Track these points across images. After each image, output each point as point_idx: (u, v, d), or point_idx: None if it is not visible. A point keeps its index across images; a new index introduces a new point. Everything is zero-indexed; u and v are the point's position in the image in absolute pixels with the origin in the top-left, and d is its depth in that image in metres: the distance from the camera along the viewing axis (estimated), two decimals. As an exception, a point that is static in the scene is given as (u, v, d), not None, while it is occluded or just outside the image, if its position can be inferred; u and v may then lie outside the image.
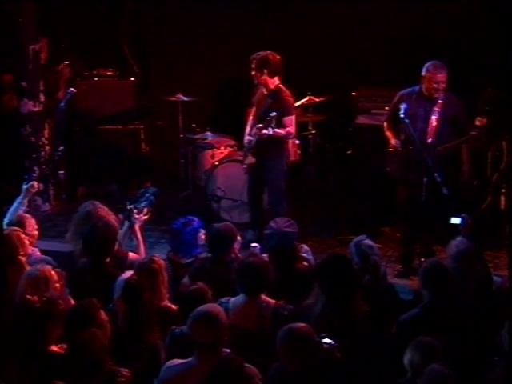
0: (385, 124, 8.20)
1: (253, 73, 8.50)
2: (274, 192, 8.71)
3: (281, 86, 8.57)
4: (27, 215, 7.06)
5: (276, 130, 8.32)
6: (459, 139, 7.79)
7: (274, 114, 8.25)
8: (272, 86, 8.54)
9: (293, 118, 8.55)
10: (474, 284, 5.92)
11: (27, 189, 7.45)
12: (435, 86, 7.76)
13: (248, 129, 8.77)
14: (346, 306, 5.47)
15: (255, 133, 8.47)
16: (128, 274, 5.93)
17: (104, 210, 6.79)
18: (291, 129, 8.54)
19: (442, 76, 7.75)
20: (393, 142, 8.05)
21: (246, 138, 8.74)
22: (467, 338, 5.42)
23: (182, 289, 6.08)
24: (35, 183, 7.54)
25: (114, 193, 10.02)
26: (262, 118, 8.41)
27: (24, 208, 7.33)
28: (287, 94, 8.55)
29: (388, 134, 8.14)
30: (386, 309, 5.81)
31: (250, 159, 8.71)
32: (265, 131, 8.31)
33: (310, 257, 6.76)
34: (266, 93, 8.61)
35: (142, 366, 5.25)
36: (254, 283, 5.67)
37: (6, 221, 6.92)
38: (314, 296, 5.65)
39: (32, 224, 6.89)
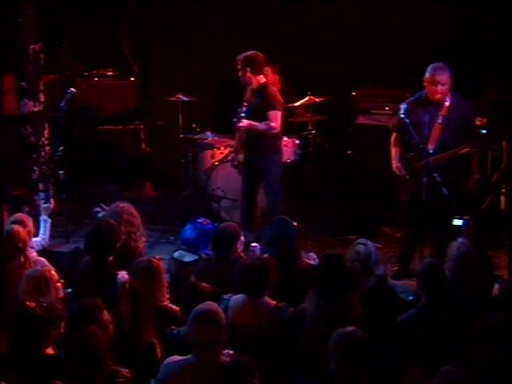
0: (392, 136, 7.91)
1: (239, 73, 8.43)
2: (273, 191, 8.58)
3: (268, 83, 8.56)
4: (25, 215, 7.06)
5: (252, 122, 8.30)
6: (450, 152, 7.56)
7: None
8: (258, 83, 8.45)
9: (277, 113, 8.33)
10: (474, 286, 5.91)
11: (48, 207, 7.60)
12: (436, 88, 7.57)
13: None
14: (339, 308, 5.41)
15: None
16: (122, 274, 5.95)
17: (133, 215, 6.74)
18: (275, 124, 8.29)
19: (442, 77, 7.55)
20: (394, 164, 7.83)
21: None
22: (465, 339, 5.42)
23: (189, 287, 6.07)
24: (52, 201, 7.73)
25: (114, 193, 10.01)
26: (252, 114, 8.39)
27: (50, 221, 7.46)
28: (273, 89, 8.48)
29: (393, 150, 7.87)
30: (385, 311, 5.78)
31: (240, 157, 8.70)
32: (240, 124, 8.34)
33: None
34: (253, 90, 8.63)
35: (137, 365, 5.24)
36: (255, 285, 5.65)
37: (40, 241, 7.13)
38: (307, 299, 5.63)
39: (30, 224, 6.88)
